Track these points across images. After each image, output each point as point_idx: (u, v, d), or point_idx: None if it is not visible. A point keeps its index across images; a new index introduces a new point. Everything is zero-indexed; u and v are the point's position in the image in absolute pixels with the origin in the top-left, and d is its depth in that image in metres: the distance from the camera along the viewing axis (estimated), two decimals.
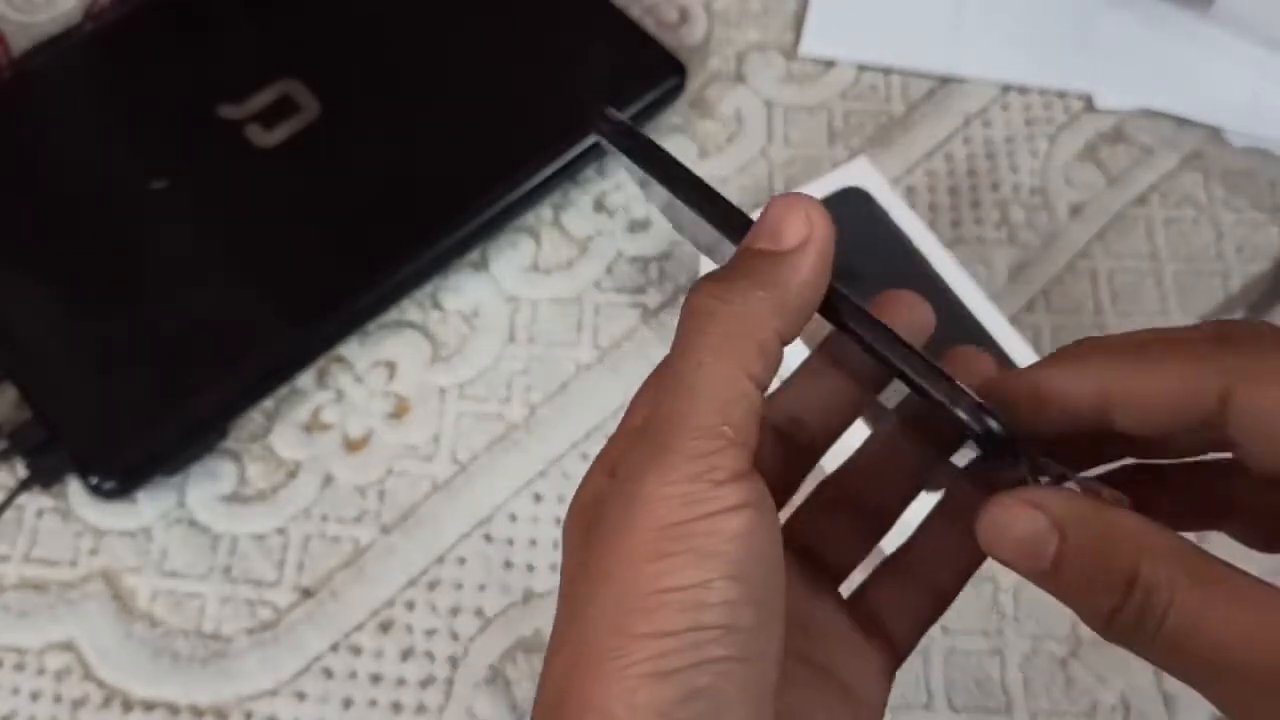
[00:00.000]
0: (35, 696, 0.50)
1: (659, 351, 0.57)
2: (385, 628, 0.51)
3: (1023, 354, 0.53)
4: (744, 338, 0.24)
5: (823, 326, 0.27)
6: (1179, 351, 0.25)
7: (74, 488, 0.54)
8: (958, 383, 0.25)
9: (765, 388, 0.25)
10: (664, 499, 0.24)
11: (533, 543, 0.53)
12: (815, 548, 0.30)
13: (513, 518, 0.53)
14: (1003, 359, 0.53)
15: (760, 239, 0.25)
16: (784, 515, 0.30)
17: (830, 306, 0.26)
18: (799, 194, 0.25)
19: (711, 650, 0.23)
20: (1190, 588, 0.23)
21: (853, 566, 0.31)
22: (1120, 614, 0.23)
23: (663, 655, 0.23)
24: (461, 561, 0.52)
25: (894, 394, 0.28)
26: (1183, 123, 0.63)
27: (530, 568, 0.52)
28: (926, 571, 0.30)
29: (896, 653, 0.30)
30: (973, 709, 0.50)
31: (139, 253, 0.57)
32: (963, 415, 0.24)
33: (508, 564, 0.52)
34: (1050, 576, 0.24)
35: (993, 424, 0.24)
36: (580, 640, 0.24)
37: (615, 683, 0.23)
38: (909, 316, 0.29)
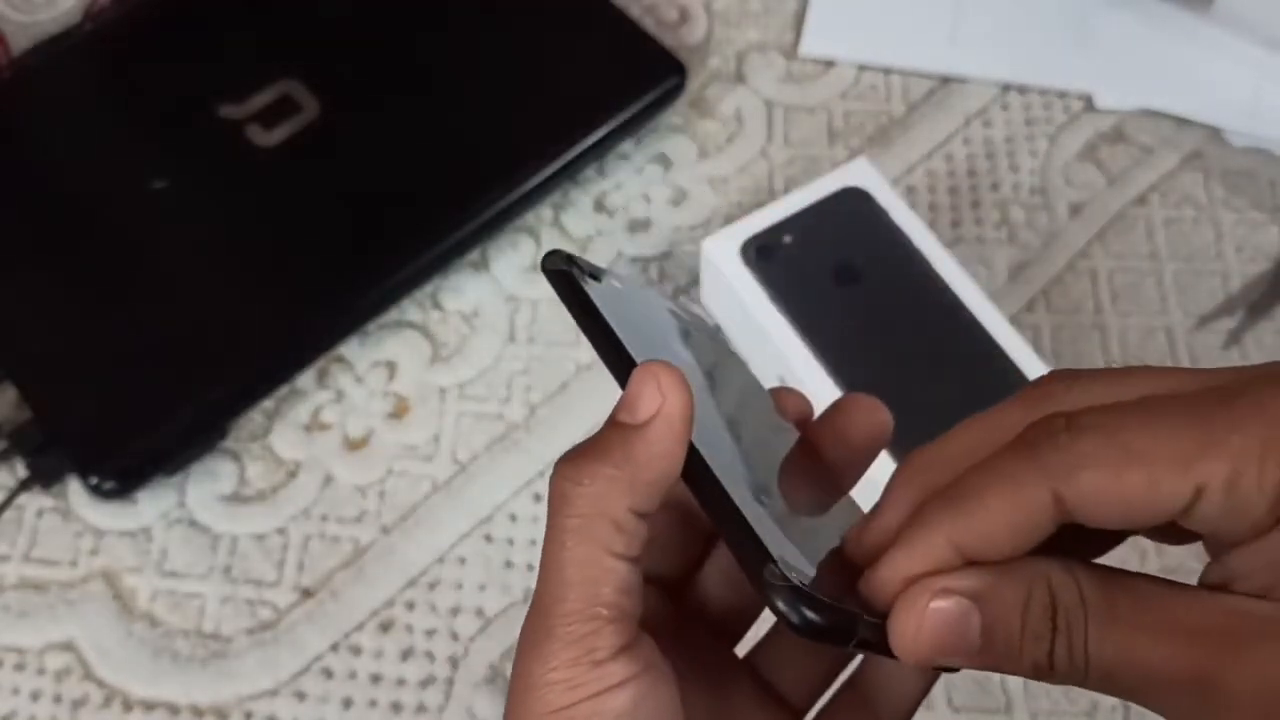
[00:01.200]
0: (35, 696, 0.50)
1: None
2: (385, 628, 0.51)
3: (1022, 354, 0.53)
4: (599, 518, 0.25)
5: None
6: (999, 476, 0.24)
7: (74, 488, 0.54)
8: (777, 569, 0.24)
9: (635, 557, 0.25)
10: (548, 685, 0.25)
11: (533, 543, 0.53)
12: (775, 683, 0.30)
13: (513, 518, 0.53)
14: (1003, 359, 0.53)
15: (620, 410, 0.26)
16: (745, 647, 0.30)
17: (688, 469, 0.26)
18: (658, 363, 0.25)
19: None
20: (1098, 608, 0.23)
21: (814, 699, 0.31)
22: (1054, 658, 0.23)
23: None
24: (461, 561, 0.52)
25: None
26: (1183, 123, 0.63)
27: (530, 568, 0.52)
28: (881, 700, 0.29)
29: None
30: (973, 709, 0.50)
31: (139, 253, 0.57)
32: (781, 606, 0.23)
33: (508, 564, 0.52)
34: (982, 652, 0.24)
35: (809, 614, 0.23)
36: None
37: None
38: (866, 421, 0.29)
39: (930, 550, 0.24)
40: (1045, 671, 0.24)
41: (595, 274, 0.29)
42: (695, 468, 0.25)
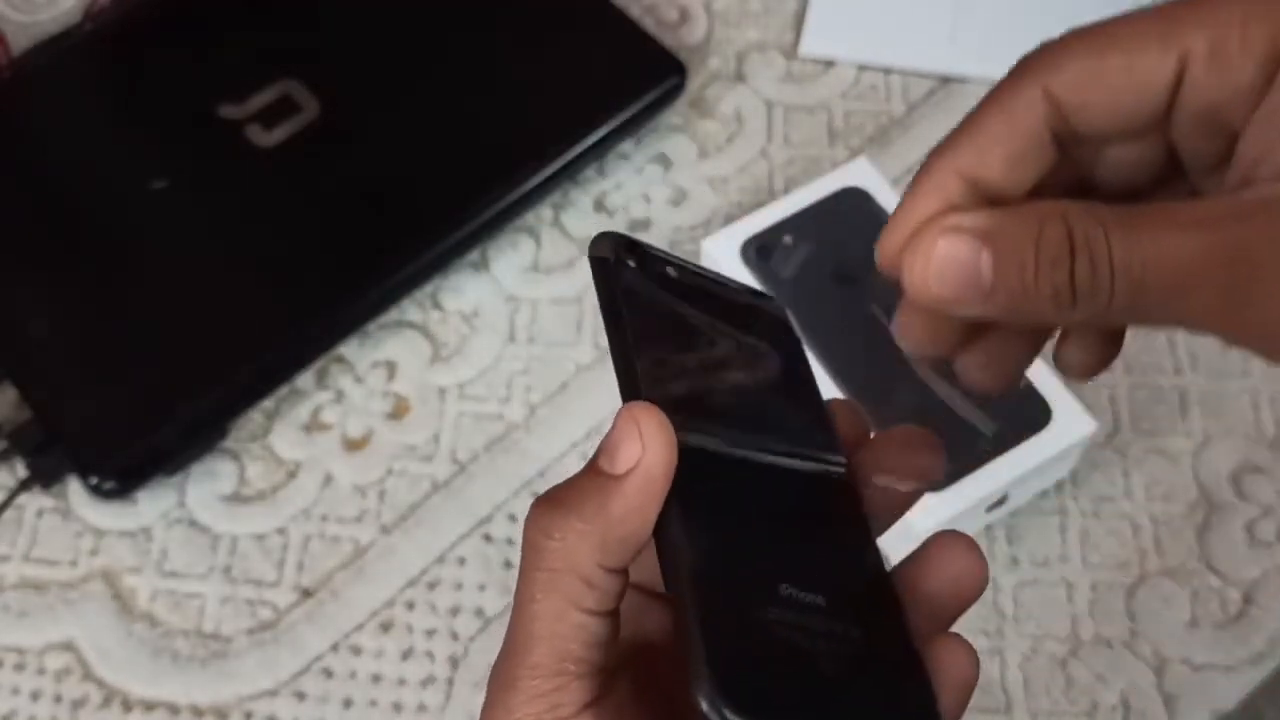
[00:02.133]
0: (35, 696, 0.50)
1: None
2: (385, 628, 0.51)
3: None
4: (568, 573, 0.24)
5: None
6: (994, 92, 0.24)
7: (74, 488, 0.54)
8: (703, 692, 0.22)
9: (606, 610, 0.24)
10: None
11: None
12: None
13: (512, 518, 0.53)
14: None
15: (600, 456, 0.25)
16: None
17: (660, 529, 0.24)
18: (645, 408, 0.24)
19: None
20: (1119, 223, 0.23)
21: None
22: (1076, 279, 0.23)
23: None
24: (461, 561, 0.52)
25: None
26: None
27: None
28: None
29: None
30: (973, 709, 0.49)
31: (139, 252, 0.57)
32: (700, 701, 0.22)
33: (508, 564, 0.52)
34: (994, 291, 0.23)
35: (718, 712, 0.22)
36: None
37: None
38: (917, 463, 0.27)
39: (936, 187, 0.24)
40: (1067, 299, 0.23)
41: (651, 260, 0.27)
42: (668, 533, 0.24)
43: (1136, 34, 0.23)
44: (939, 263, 0.23)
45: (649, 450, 0.24)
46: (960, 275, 0.23)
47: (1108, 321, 0.24)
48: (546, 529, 0.24)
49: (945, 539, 0.26)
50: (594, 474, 0.24)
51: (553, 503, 0.25)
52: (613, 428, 0.25)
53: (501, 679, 0.25)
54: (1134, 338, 0.57)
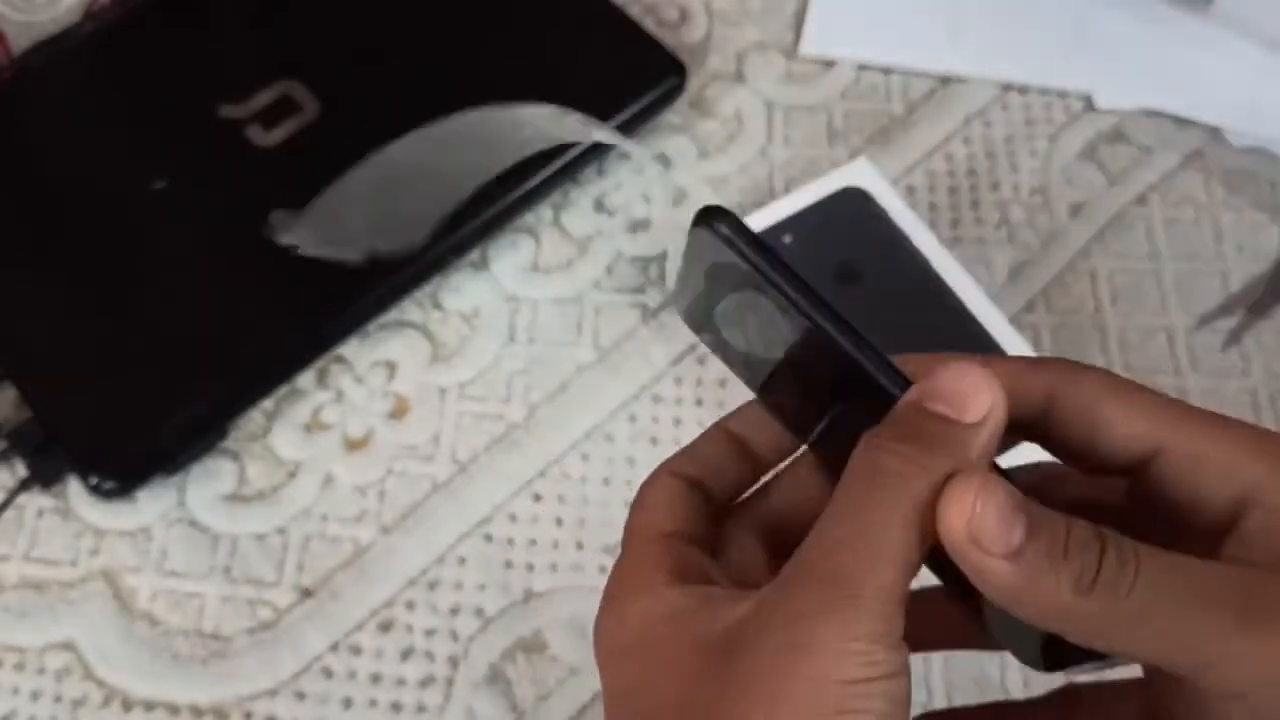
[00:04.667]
0: (35, 696, 0.50)
1: (659, 351, 0.57)
2: (385, 628, 0.51)
3: (1023, 353, 0.53)
4: (926, 505, 0.24)
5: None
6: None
7: (74, 488, 0.54)
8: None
9: (920, 563, 0.25)
10: (846, 654, 0.23)
11: (533, 543, 0.53)
12: None
13: (513, 518, 0.53)
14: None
15: (938, 402, 0.25)
16: None
17: None
18: (977, 365, 0.25)
19: None
20: (1152, 553, 0.23)
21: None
22: (1103, 562, 0.23)
23: None
24: (461, 561, 0.52)
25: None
26: (1183, 123, 0.63)
27: (530, 567, 0.52)
28: None
29: None
30: None
31: (139, 253, 0.57)
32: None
33: (508, 564, 0.52)
34: (1021, 554, 0.23)
35: None
36: None
37: None
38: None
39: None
40: (1089, 579, 0.23)
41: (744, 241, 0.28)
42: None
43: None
44: (982, 502, 0.24)
45: (998, 403, 0.25)
46: (997, 518, 0.24)
47: (1111, 631, 0.24)
48: (910, 457, 0.24)
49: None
50: (936, 419, 0.25)
51: (906, 435, 0.25)
52: (941, 380, 0.25)
53: (829, 600, 0.24)
54: (1134, 337, 0.57)
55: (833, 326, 0.27)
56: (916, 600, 0.25)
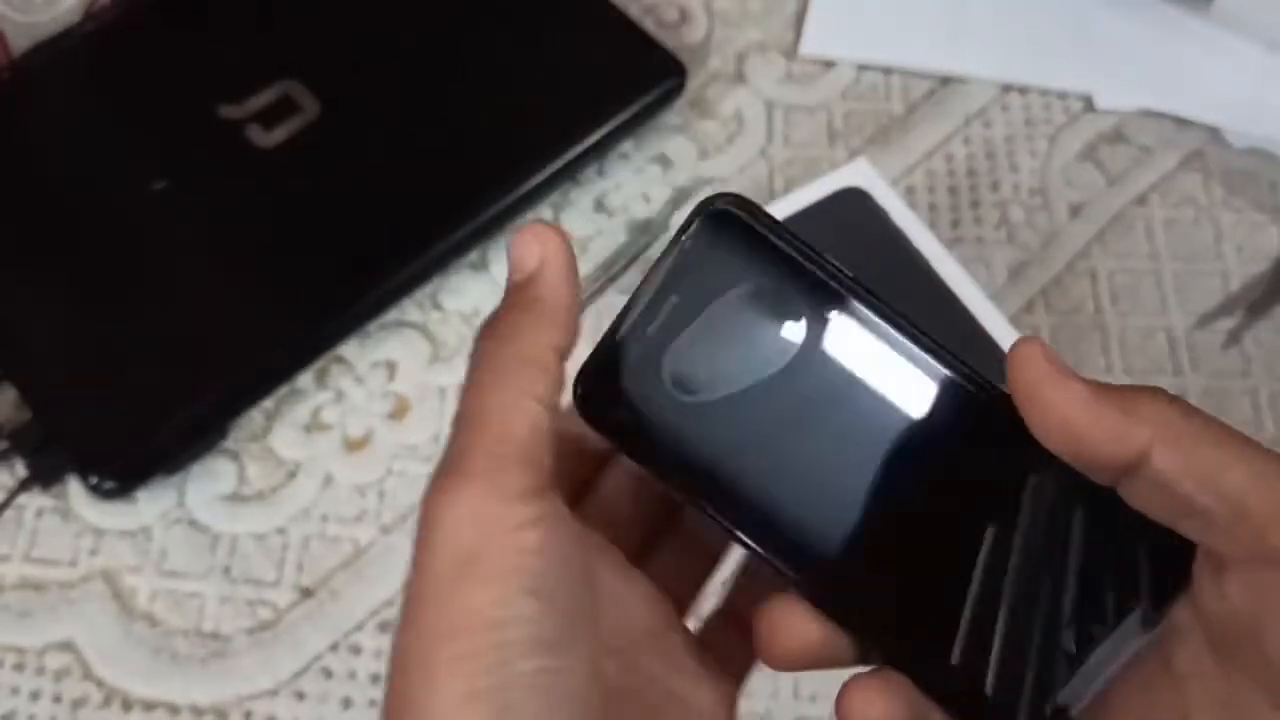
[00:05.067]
0: (35, 696, 0.50)
1: None
2: (385, 627, 0.51)
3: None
4: (520, 360, 0.26)
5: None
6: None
7: (74, 488, 0.54)
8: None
9: (553, 405, 0.26)
10: (457, 521, 0.24)
11: None
12: (663, 581, 0.30)
13: None
14: (1002, 359, 0.53)
15: (513, 273, 0.28)
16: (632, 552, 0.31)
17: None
18: (531, 223, 0.28)
19: (519, 665, 0.24)
20: None
21: (691, 597, 0.32)
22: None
23: (471, 676, 0.24)
24: None
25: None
26: (1183, 123, 0.63)
27: None
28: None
29: (736, 683, 0.30)
30: None
31: (139, 253, 0.57)
32: None
33: None
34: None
35: None
36: (403, 661, 0.25)
37: (436, 706, 0.24)
38: None
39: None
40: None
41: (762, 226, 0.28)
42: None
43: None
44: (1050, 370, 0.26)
45: (548, 243, 0.27)
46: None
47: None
48: (494, 330, 0.27)
49: None
50: (514, 286, 0.27)
51: (495, 315, 0.27)
52: (511, 252, 0.28)
53: (443, 478, 0.25)
54: (1134, 338, 0.57)
55: (892, 309, 0.27)
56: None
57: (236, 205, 0.58)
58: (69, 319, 0.55)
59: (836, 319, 0.27)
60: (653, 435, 0.27)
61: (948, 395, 0.27)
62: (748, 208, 0.28)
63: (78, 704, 0.50)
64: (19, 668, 0.50)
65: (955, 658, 0.26)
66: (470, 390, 0.26)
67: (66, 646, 0.51)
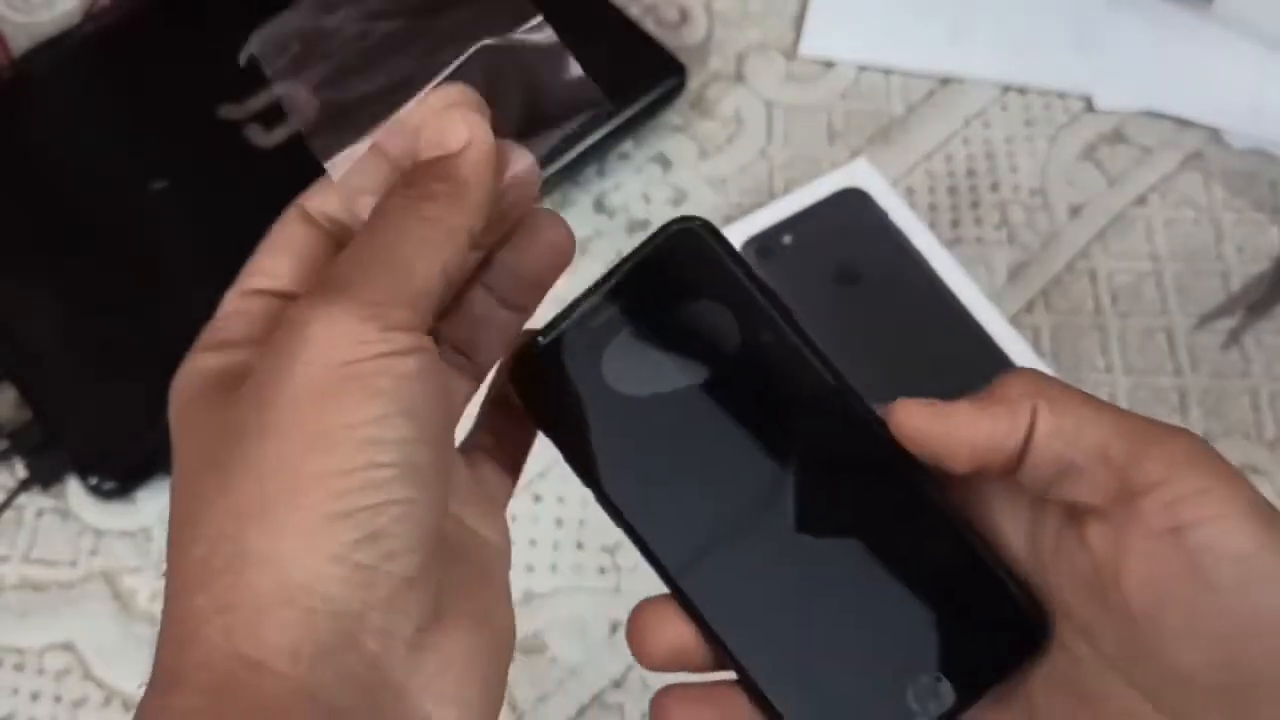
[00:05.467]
0: (35, 696, 0.50)
1: None
2: None
3: (1022, 354, 0.53)
4: (431, 222, 0.25)
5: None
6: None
7: (74, 488, 0.54)
8: None
9: (452, 277, 0.26)
10: (332, 339, 0.24)
11: (532, 543, 0.53)
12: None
13: (512, 518, 0.53)
14: (1002, 359, 0.53)
15: (428, 148, 0.27)
16: None
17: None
18: (449, 95, 0.27)
19: (391, 490, 0.23)
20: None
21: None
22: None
23: (341, 495, 0.23)
24: None
25: None
26: (1183, 123, 0.63)
27: (530, 568, 0.52)
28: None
29: (509, 488, 0.31)
30: None
31: (139, 253, 0.57)
32: None
33: None
34: None
35: None
36: (239, 498, 0.23)
37: (288, 529, 0.22)
38: (546, 240, 0.30)
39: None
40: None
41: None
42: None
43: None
44: None
45: (475, 127, 0.27)
46: None
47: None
48: (410, 192, 0.26)
49: (535, 216, 0.30)
50: (434, 165, 0.26)
51: (411, 180, 0.27)
52: (424, 127, 0.27)
53: (316, 302, 0.24)
54: (1134, 338, 0.57)
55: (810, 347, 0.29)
56: None
57: (236, 205, 0.58)
58: (69, 319, 0.55)
59: (764, 348, 0.29)
60: (573, 417, 0.29)
61: (851, 433, 0.28)
62: (713, 232, 0.29)
63: (78, 704, 0.50)
64: (19, 668, 0.50)
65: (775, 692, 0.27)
66: (377, 227, 0.26)
67: (66, 647, 0.51)
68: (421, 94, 0.27)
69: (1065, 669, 0.26)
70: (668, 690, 0.28)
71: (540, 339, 0.29)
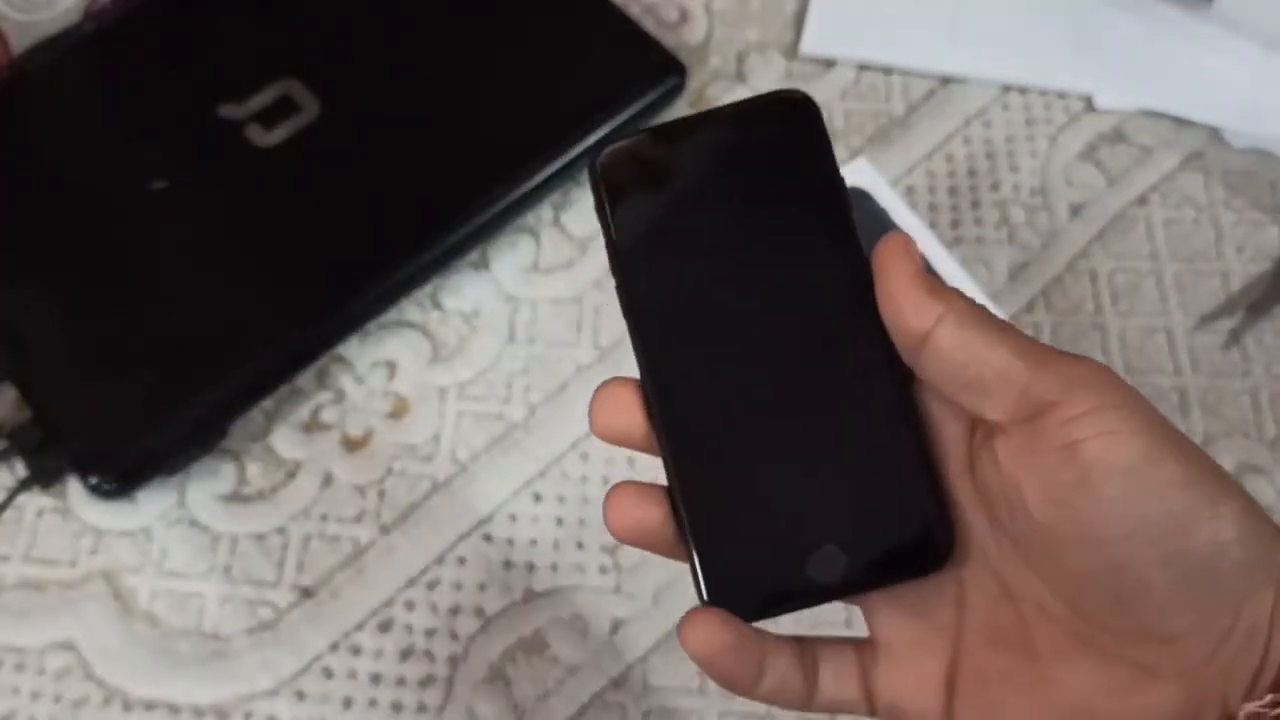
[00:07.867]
0: (35, 696, 0.50)
1: None
2: (385, 628, 0.51)
3: None
4: None
5: None
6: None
7: (74, 488, 0.54)
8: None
9: None
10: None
11: (533, 542, 0.53)
12: None
13: (513, 518, 0.53)
14: None
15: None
16: None
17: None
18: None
19: None
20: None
21: None
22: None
23: None
24: (461, 561, 0.52)
25: None
26: (1183, 123, 0.63)
27: (530, 567, 0.52)
28: None
29: None
30: None
31: (139, 253, 0.57)
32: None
33: (508, 564, 0.52)
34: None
35: None
36: None
37: None
38: None
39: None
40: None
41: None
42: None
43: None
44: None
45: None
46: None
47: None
48: None
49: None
50: None
51: None
52: None
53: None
54: (1134, 338, 0.57)
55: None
56: None
57: (236, 205, 0.58)
58: (69, 319, 0.55)
59: (816, 217, 0.31)
60: (629, 212, 0.30)
61: (851, 314, 0.30)
62: (816, 112, 0.31)
63: (78, 704, 0.50)
64: (19, 668, 0.50)
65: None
66: None
67: (66, 646, 0.51)
68: None
69: (993, 558, 0.29)
70: (623, 484, 0.30)
71: (637, 139, 0.31)
